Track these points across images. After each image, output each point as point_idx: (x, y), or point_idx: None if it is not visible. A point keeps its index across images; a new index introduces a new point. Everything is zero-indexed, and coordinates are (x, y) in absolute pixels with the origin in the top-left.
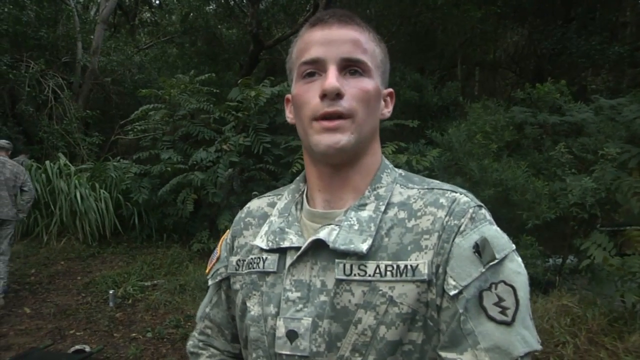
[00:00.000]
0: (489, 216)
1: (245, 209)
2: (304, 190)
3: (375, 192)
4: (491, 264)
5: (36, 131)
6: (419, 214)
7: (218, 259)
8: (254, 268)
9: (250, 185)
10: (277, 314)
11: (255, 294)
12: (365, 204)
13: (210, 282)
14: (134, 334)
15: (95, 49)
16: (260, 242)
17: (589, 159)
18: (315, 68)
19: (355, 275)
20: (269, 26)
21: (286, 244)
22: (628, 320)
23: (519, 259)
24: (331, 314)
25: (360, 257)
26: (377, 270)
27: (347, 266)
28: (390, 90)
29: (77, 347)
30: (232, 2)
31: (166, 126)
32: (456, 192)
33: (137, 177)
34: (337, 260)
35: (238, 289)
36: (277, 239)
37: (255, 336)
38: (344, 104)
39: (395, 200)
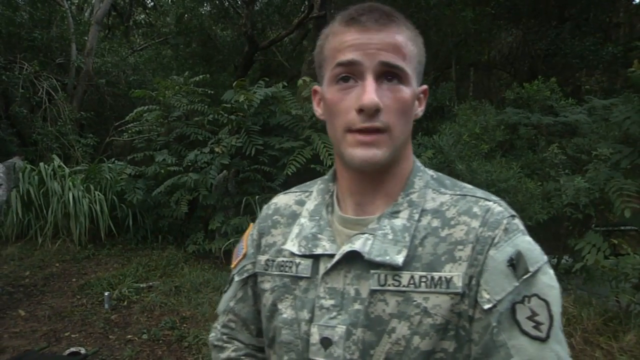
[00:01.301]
0: (521, 226)
1: (272, 206)
2: (333, 191)
3: (408, 198)
4: (525, 277)
5: (30, 133)
6: (452, 222)
7: (245, 255)
8: (286, 271)
9: (245, 186)
10: (311, 320)
11: (288, 297)
12: (399, 211)
13: (236, 278)
14: (129, 336)
15: (89, 50)
16: (292, 246)
17: (583, 159)
18: (351, 72)
19: (389, 285)
20: (263, 27)
21: (319, 251)
22: (623, 320)
23: (551, 271)
24: (365, 323)
25: (395, 268)
26: (412, 281)
27: (382, 276)
28: (425, 87)
29: (73, 349)
30: (227, 3)
31: (161, 127)
32: (489, 201)
33: (131, 178)
34: (372, 271)
35: (267, 289)
36: (309, 245)
37: (288, 339)
38: (382, 119)
39: (428, 207)
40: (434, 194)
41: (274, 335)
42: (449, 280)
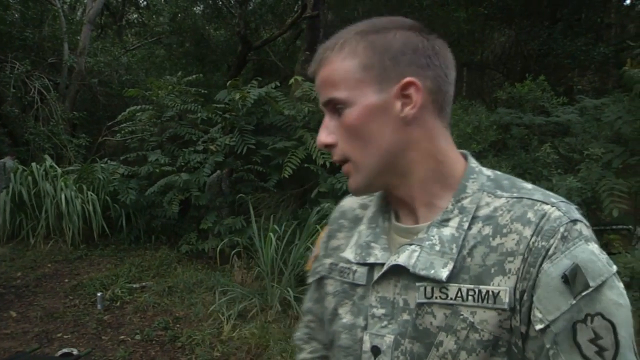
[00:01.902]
0: (586, 231)
1: (339, 209)
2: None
3: (459, 205)
4: (584, 293)
5: (22, 133)
6: (504, 230)
7: (316, 257)
8: (345, 277)
9: (238, 186)
10: (365, 327)
11: (347, 303)
12: (449, 219)
13: (310, 280)
14: (122, 337)
15: (81, 49)
16: (350, 253)
17: (575, 158)
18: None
19: (436, 298)
20: (256, 27)
21: (371, 260)
22: None
23: (620, 285)
24: (413, 334)
25: (440, 282)
26: (459, 294)
27: (429, 289)
28: (405, 81)
29: (65, 350)
30: (220, 3)
31: (154, 127)
32: (547, 204)
33: (124, 178)
34: (417, 284)
35: (330, 293)
36: (363, 254)
37: (347, 344)
38: (338, 151)
39: (480, 214)
40: (488, 197)
41: (333, 339)
42: (496, 295)
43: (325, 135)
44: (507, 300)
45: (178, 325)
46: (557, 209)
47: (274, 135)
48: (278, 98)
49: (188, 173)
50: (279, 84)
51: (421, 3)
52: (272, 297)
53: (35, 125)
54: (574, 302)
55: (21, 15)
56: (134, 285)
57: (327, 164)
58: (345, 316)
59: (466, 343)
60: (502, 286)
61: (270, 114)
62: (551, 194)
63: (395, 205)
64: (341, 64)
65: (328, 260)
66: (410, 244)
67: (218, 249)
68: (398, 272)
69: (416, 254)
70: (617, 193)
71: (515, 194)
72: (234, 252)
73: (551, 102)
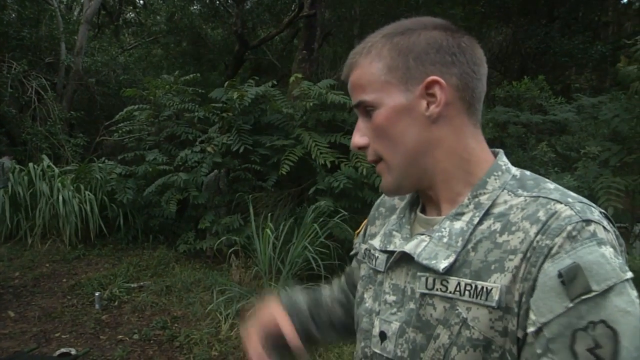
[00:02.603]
0: (601, 234)
1: (381, 197)
2: None
3: (475, 200)
4: (584, 297)
5: (19, 133)
6: (512, 228)
7: (357, 234)
8: (371, 263)
9: (236, 185)
10: (378, 312)
11: (370, 288)
12: (463, 213)
13: (351, 253)
14: (120, 336)
15: (79, 49)
16: (377, 241)
17: (572, 157)
18: None
19: (437, 290)
20: (254, 26)
21: (391, 247)
22: None
23: (634, 293)
24: (417, 324)
25: (439, 273)
26: (458, 288)
27: (430, 280)
28: (429, 80)
29: (63, 350)
30: (217, 2)
31: (151, 127)
32: (561, 203)
33: (122, 178)
34: (419, 274)
35: (361, 277)
36: (385, 242)
37: (366, 327)
38: (371, 152)
39: (495, 211)
40: (508, 195)
41: (357, 322)
42: (488, 292)
43: (358, 137)
44: (497, 298)
45: (176, 325)
46: (570, 208)
47: (271, 134)
48: (276, 97)
49: (186, 172)
50: (275, 83)
51: (417, 1)
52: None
53: (33, 125)
54: (571, 305)
55: (18, 15)
56: (132, 285)
57: (328, 164)
58: (368, 301)
59: (458, 339)
60: (497, 283)
61: (268, 113)
62: (572, 194)
63: (423, 199)
64: (368, 67)
65: (364, 246)
66: (422, 234)
67: (215, 248)
68: (409, 260)
69: (424, 243)
70: (614, 191)
71: (534, 194)
72: (231, 251)
73: (549, 101)
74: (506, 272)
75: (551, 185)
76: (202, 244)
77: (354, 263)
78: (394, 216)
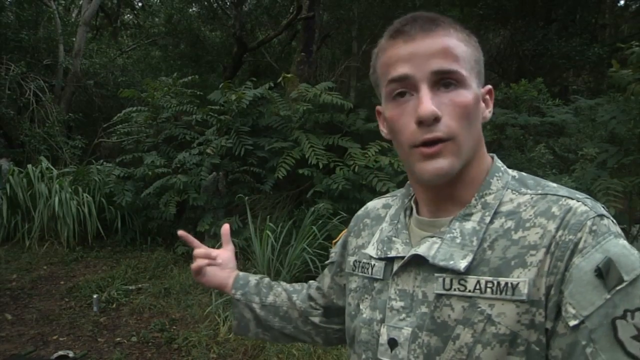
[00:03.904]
0: (613, 227)
1: (364, 209)
2: (413, 195)
3: (482, 200)
4: (618, 288)
5: (17, 135)
6: (527, 224)
7: (335, 243)
8: (365, 273)
9: (235, 187)
10: (382, 320)
11: (367, 298)
12: (471, 214)
13: (326, 262)
14: (118, 339)
15: (77, 51)
16: (372, 249)
17: (570, 158)
18: (405, 86)
19: (455, 290)
20: (252, 28)
21: (392, 254)
22: None
23: None
24: (431, 327)
25: (459, 273)
26: (477, 286)
27: (447, 280)
28: (489, 87)
29: (61, 352)
30: (216, 5)
31: (149, 129)
32: (572, 199)
33: (120, 180)
34: (436, 275)
35: (352, 289)
36: (385, 248)
37: (366, 339)
38: (443, 128)
39: (503, 209)
40: (513, 194)
41: (354, 335)
42: (514, 287)
43: (433, 106)
44: (526, 291)
45: (174, 327)
46: (583, 204)
47: (269, 137)
48: (274, 99)
49: (184, 175)
50: (273, 85)
51: (414, 3)
52: None
53: (31, 127)
54: (609, 296)
55: (16, 16)
56: (130, 287)
57: (321, 165)
58: (365, 311)
59: (482, 336)
60: (522, 278)
61: (266, 115)
62: (576, 192)
63: (421, 200)
64: (460, 44)
65: (352, 258)
66: (432, 236)
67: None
68: (418, 263)
69: (436, 245)
70: (612, 193)
71: (539, 191)
72: None
73: (546, 103)
74: (530, 266)
75: (553, 184)
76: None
77: (326, 272)
78: (385, 224)
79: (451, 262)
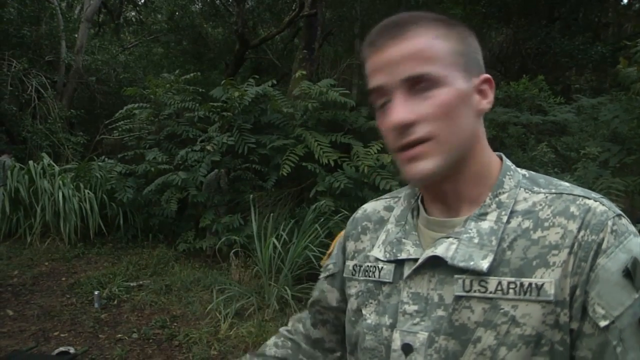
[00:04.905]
0: (631, 226)
1: (360, 211)
2: (420, 194)
3: (497, 200)
4: None
5: (19, 131)
6: (546, 224)
7: (329, 255)
8: (370, 276)
9: (237, 185)
10: (393, 325)
11: (372, 303)
12: (486, 213)
13: (321, 275)
14: (119, 335)
15: (79, 47)
16: (378, 252)
17: (572, 157)
18: (382, 95)
19: (475, 291)
20: (254, 25)
21: (403, 256)
22: None
23: None
24: (449, 331)
25: (481, 274)
26: (499, 287)
27: (467, 282)
28: (485, 76)
29: (62, 348)
30: (218, 1)
31: (151, 125)
32: (589, 199)
33: (121, 176)
34: (456, 276)
35: (353, 294)
36: (394, 250)
37: (372, 345)
38: (419, 131)
39: (519, 208)
40: (526, 193)
41: (356, 341)
42: (539, 287)
43: (406, 112)
44: (552, 291)
45: (175, 324)
46: (601, 204)
47: (271, 134)
48: (276, 96)
49: (185, 171)
50: (275, 82)
51: (417, 1)
52: (269, 296)
53: (33, 124)
54: (637, 296)
55: (18, 13)
56: (131, 284)
57: (332, 163)
58: (370, 316)
59: (506, 338)
60: (546, 278)
61: (268, 112)
62: (590, 190)
63: (428, 200)
64: (433, 41)
65: (351, 263)
66: (447, 237)
67: (216, 247)
68: (434, 266)
69: (454, 246)
70: (614, 192)
71: (553, 190)
72: (232, 251)
73: (548, 102)
74: (553, 267)
75: (565, 182)
76: (201, 243)
77: (326, 286)
78: (390, 225)
79: (472, 263)
